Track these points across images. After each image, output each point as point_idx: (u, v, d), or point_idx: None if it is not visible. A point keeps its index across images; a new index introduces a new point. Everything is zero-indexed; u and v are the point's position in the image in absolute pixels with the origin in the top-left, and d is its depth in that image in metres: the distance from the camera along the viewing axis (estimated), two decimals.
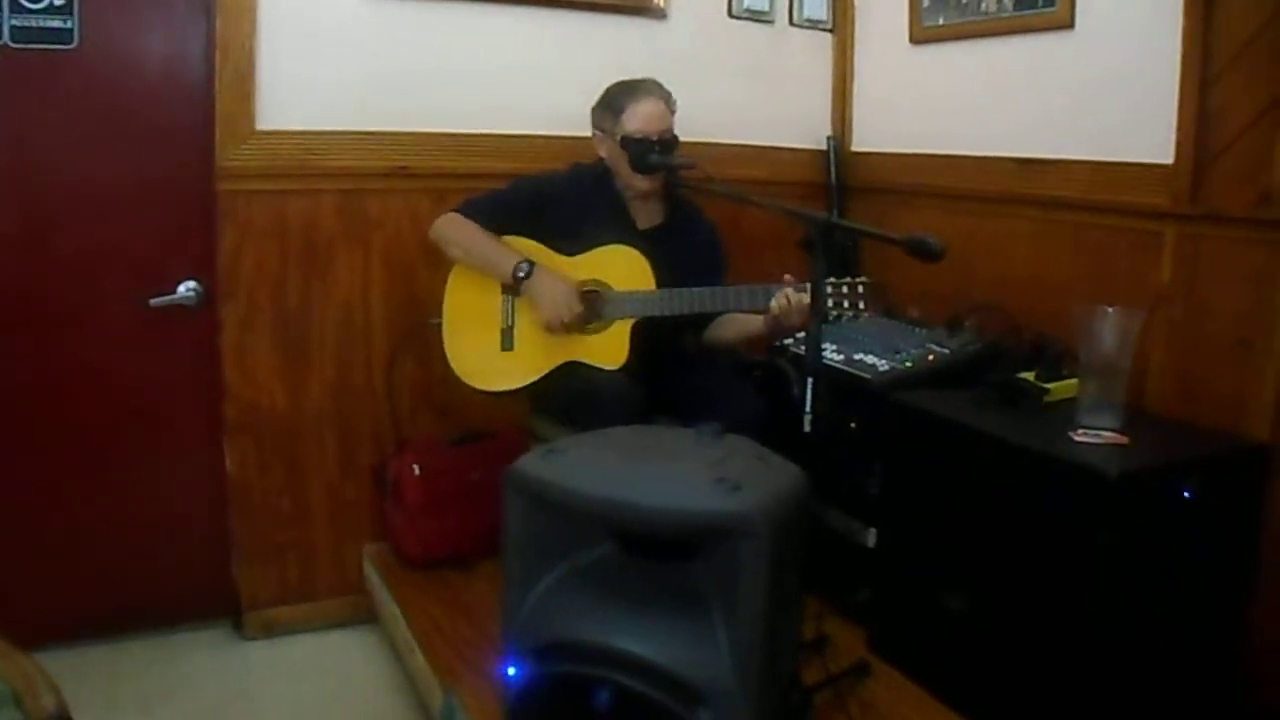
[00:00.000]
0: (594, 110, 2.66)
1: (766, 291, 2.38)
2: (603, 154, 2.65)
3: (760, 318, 2.43)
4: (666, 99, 2.60)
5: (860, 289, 2.33)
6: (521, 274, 2.50)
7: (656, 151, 2.54)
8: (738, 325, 2.60)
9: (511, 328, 2.59)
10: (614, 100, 2.60)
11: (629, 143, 2.54)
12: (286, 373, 2.87)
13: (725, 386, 2.57)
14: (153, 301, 2.73)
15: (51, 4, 2.49)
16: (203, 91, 2.67)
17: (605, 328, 2.53)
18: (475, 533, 2.82)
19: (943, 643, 2.27)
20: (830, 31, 3.48)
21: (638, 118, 2.55)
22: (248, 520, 2.89)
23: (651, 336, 2.53)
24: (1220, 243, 2.29)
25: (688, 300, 2.47)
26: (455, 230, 2.59)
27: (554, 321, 2.49)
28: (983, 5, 2.93)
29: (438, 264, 2.71)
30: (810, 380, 1.94)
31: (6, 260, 2.59)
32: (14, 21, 2.47)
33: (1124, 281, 2.48)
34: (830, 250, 2.02)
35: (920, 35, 3.18)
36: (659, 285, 2.50)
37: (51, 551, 2.71)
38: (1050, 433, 2.12)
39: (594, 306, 2.54)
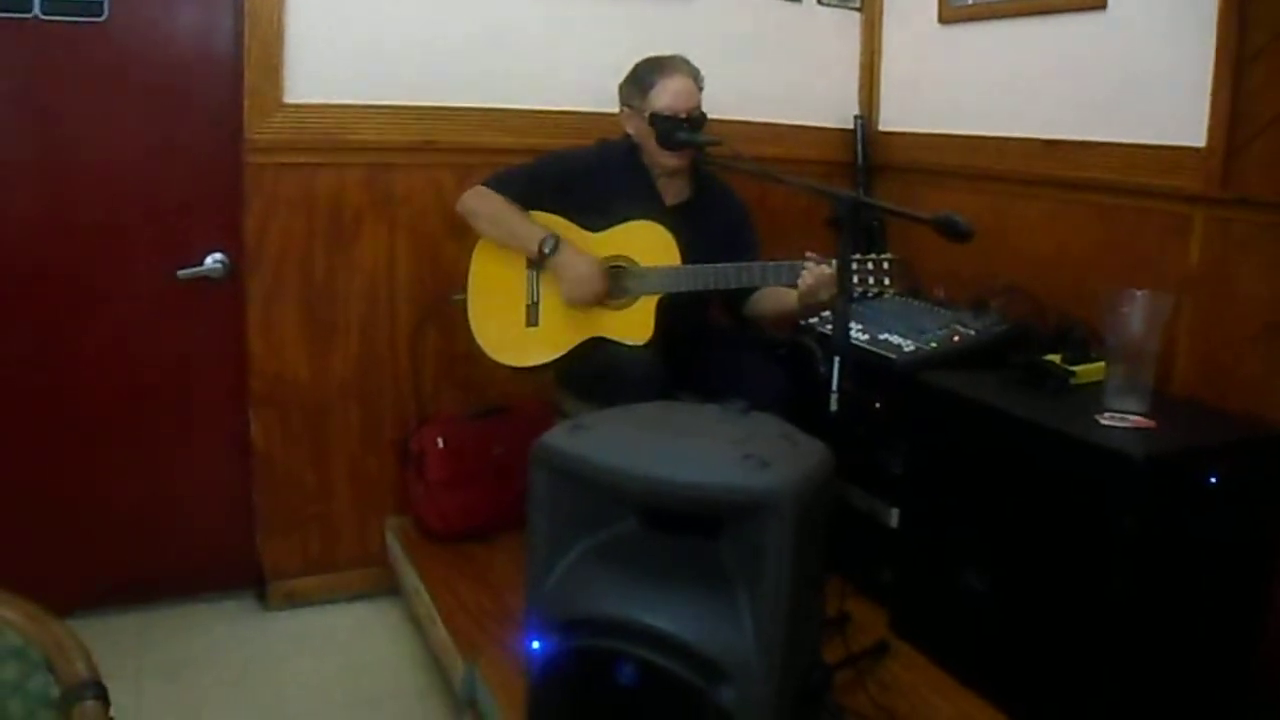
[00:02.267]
0: (622, 87, 2.65)
1: (792, 267, 2.38)
2: (630, 130, 2.64)
3: (795, 293, 2.42)
4: (695, 76, 2.59)
5: (885, 265, 2.33)
6: (547, 249, 2.50)
7: (684, 128, 2.53)
8: (774, 299, 2.59)
9: (537, 303, 2.60)
10: (642, 77, 2.59)
11: (657, 119, 2.53)
12: (311, 346, 2.88)
13: (751, 364, 2.57)
14: (180, 274, 2.74)
15: None
16: (231, 64, 2.68)
17: (631, 303, 2.53)
18: (497, 506, 2.84)
19: (964, 624, 2.27)
20: (858, 10, 3.45)
21: (666, 94, 2.54)
22: (272, 492, 2.91)
23: (677, 312, 2.53)
24: (1251, 227, 2.27)
25: (712, 276, 2.47)
26: (482, 203, 2.59)
27: (577, 300, 2.51)
28: None
29: (463, 238, 2.72)
30: (837, 359, 1.94)
31: (35, 232, 2.61)
32: None
33: (1152, 265, 2.46)
34: (857, 229, 2.01)
35: (949, 15, 3.16)
36: (685, 261, 2.50)
37: (80, 522, 2.74)
38: (1076, 415, 2.11)
39: (619, 282, 2.54)
